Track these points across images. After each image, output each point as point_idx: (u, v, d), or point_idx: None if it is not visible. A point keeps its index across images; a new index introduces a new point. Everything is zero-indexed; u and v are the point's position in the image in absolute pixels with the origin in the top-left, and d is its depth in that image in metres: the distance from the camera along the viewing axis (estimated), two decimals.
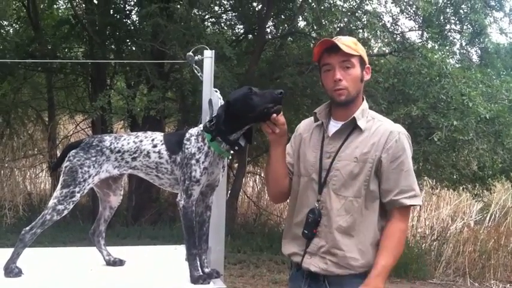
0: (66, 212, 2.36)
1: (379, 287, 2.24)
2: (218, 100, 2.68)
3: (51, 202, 2.35)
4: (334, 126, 2.41)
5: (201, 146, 2.32)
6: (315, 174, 2.37)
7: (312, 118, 2.52)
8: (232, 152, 2.36)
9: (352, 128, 2.36)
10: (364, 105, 2.41)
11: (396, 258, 2.29)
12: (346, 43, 2.34)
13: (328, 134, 2.41)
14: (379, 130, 2.34)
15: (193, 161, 2.30)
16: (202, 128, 2.35)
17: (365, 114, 2.38)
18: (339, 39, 2.36)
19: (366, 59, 2.40)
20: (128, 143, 2.40)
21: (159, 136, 2.43)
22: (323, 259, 2.33)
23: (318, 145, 2.41)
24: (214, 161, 2.35)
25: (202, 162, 2.30)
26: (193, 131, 2.38)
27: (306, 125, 2.56)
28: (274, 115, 2.26)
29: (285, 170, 2.50)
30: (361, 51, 2.37)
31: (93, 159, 2.37)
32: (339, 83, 2.33)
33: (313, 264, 2.36)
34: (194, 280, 2.28)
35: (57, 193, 2.36)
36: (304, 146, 2.47)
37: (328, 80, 2.36)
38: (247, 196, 10.98)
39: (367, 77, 2.40)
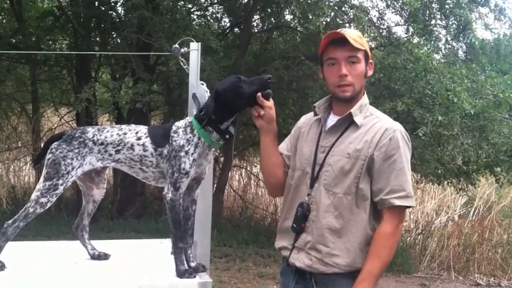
0: (49, 204, 2.33)
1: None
2: (204, 93, 2.67)
3: (34, 195, 2.32)
4: (332, 120, 2.38)
5: (190, 137, 2.30)
6: (309, 168, 2.35)
7: (312, 113, 2.49)
8: (222, 142, 2.35)
9: (348, 123, 2.32)
10: (363, 100, 2.36)
11: (384, 262, 2.24)
12: (353, 36, 2.29)
13: (325, 128, 2.38)
14: (375, 127, 2.29)
15: (182, 153, 2.28)
16: (190, 120, 2.34)
17: (363, 110, 2.34)
18: (345, 31, 2.31)
19: (370, 53, 2.37)
20: (112, 135, 2.38)
21: (143, 129, 2.41)
22: (308, 255, 2.31)
23: (315, 139, 2.38)
24: (203, 153, 2.33)
25: (192, 154, 2.28)
26: (180, 123, 2.36)
27: (306, 119, 2.53)
28: (259, 94, 2.26)
29: (278, 159, 2.48)
30: (366, 45, 2.33)
31: (76, 151, 2.34)
32: (345, 79, 2.29)
33: (299, 259, 2.34)
34: (180, 274, 2.27)
35: (40, 186, 2.33)
36: (301, 140, 2.44)
37: (331, 75, 2.32)
38: (233, 190, 10.97)
39: (370, 72, 2.36)
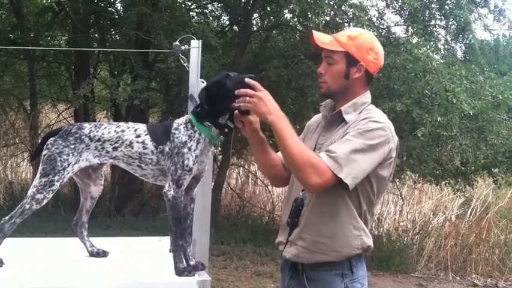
0: (45, 201, 2.31)
1: (268, 107, 2.16)
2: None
3: (30, 191, 2.30)
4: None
5: (192, 133, 2.29)
6: None
7: None
8: (222, 136, 2.34)
9: (341, 120, 2.33)
10: (360, 99, 2.33)
11: (290, 143, 2.14)
12: (338, 37, 2.31)
13: (323, 125, 2.41)
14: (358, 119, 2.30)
15: (185, 150, 2.27)
16: (189, 117, 2.33)
17: (358, 108, 2.32)
18: (343, 31, 2.36)
19: (365, 55, 2.29)
20: (109, 132, 2.36)
21: (142, 127, 2.39)
22: (296, 245, 2.33)
23: (317, 137, 2.41)
24: (205, 149, 2.33)
25: (194, 150, 2.28)
26: (180, 120, 2.35)
27: (317, 117, 2.56)
28: (236, 112, 2.25)
29: (271, 161, 2.50)
30: (354, 47, 2.28)
31: (72, 147, 2.32)
32: (320, 76, 2.35)
33: (289, 252, 2.36)
34: (179, 272, 2.25)
35: (36, 182, 2.31)
36: (307, 138, 2.47)
37: None
38: (230, 188, 10.97)
39: (356, 74, 2.29)
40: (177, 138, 2.29)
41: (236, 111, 2.25)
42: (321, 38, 2.32)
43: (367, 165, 2.17)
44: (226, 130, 2.31)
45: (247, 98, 2.17)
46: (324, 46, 2.30)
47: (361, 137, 2.18)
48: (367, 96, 2.37)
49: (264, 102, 2.16)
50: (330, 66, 2.31)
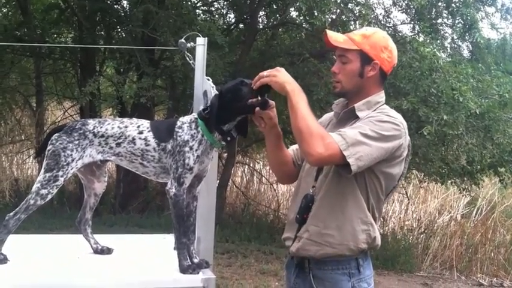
0: (49, 196, 2.32)
1: (286, 78, 2.25)
2: (211, 88, 2.64)
3: (35, 187, 2.31)
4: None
5: (194, 133, 2.29)
6: None
7: None
8: (224, 143, 2.33)
9: (354, 118, 2.33)
10: (374, 98, 2.33)
11: (300, 115, 2.17)
12: (351, 36, 2.32)
13: (334, 122, 2.42)
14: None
15: (186, 148, 2.27)
16: (196, 115, 2.32)
17: (371, 107, 2.32)
18: (357, 31, 2.37)
19: (379, 54, 2.29)
20: (112, 128, 2.36)
21: (145, 123, 2.39)
22: (301, 238, 2.33)
23: None
24: (206, 150, 2.32)
25: (196, 150, 2.27)
26: (185, 119, 2.35)
27: (327, 116, 2.57)
28: (258, 108, 2.25)
29: (283, 157, 2.51)
30: (368, 45, 2.28)
31: (76, 142, 2.33)
32: (334, 75, 2.35)
33: (295, 246, 2.36)
34: (183, 269, 2.26)
35: (40, 177, 2.32)
36: None
37: None
38: (235, 186, 10.96)
39: (371, 73, 2.30)
40: (179, 136, 2.29)
41: (257, 108, 2.25)
42: (335, 37, 2.32)
43: (374, 152, 2.17)
44: (228, 138, 2.32)
45: (265, 73, 2.22)
46: (338, 45, 2.30)
47: (373, 125, 2.20)
48: (381, 96, 2.37)
49: (282, 73, 2.25)
50: (344, 65, 2.31)
